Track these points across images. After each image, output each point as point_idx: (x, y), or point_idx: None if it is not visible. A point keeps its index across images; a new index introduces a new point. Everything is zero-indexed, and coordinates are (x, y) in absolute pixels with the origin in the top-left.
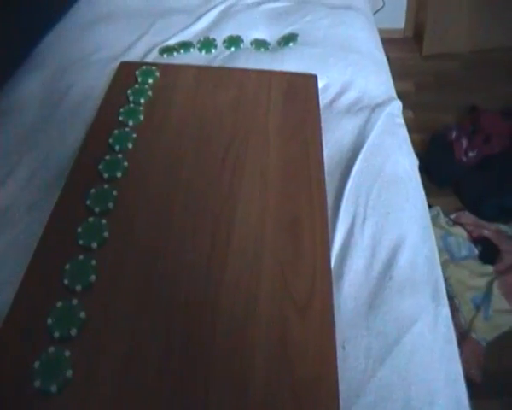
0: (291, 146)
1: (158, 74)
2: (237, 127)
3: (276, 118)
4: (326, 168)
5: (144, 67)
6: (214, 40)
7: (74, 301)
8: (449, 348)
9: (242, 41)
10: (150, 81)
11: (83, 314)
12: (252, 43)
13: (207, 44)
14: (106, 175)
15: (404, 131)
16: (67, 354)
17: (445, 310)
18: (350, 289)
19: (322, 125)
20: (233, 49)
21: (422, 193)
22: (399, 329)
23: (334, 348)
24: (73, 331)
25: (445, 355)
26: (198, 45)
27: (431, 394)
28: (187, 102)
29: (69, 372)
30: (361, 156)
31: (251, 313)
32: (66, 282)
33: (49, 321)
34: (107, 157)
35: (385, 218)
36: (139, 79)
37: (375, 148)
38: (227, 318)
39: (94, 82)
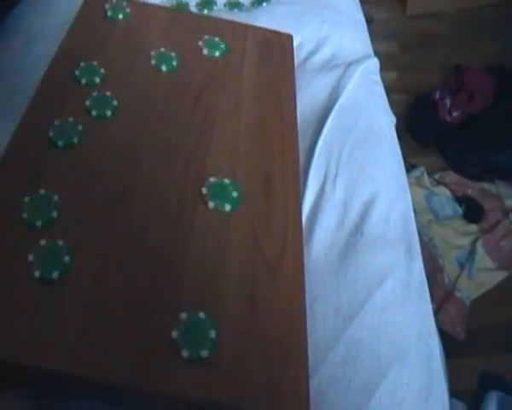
0: (264, 102)
1: (128, 11)
2: (209, 77)
3: (251, 72)
4: (299, 126)
5: (115, 1)
6: (187, 3)
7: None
8: (422, 305)
9: (215, 3)
10: (120, 17)
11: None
12: (225, 5)
13: (180, 7)
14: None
15: (380, 89)
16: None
17: (419, 265)
18: (320, 248)
19: (297, 82)
20: (206, 11)
21: (398, 150)
22: (370, 286)
23: (304, 306)
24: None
25: (418, 312)
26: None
27: (402, 351)
28: (157, 45)
29: None
30: (334, 113)
31: (220, 269)
32: (24, 216)
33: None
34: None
35: (358, 174)
36: (108, 13)
37: (348, 104)
38: (196, 268)
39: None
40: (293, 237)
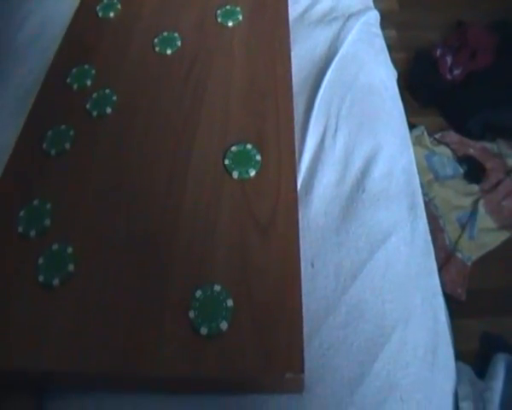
0: (258, 61)
1: (119, 6)
2: (201, 45)
3: (243, 33)
4: (296, 81)
5: (105, 1)
6: None
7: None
8: (427, 263)
9: None
10: (112, 15)
11: None
12: None
13: None
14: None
15: (381, 42)
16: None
17: (423, 223)
18: (320, 205)
19: (293, 37)
20: None
21: (400, 104)
22: (373, 243)
23: (299, 270)
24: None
25: (423, 270)
26: None
27: (406, 311)
28: (151, 22)
29: None
30: (333, 66)
31: (210, 232)
32: (20, 230)
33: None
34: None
35: (358, 128)
36: (100, 15)
37: (348, 57)
38: (186, 234)
39: (52, 10)
40: (286, 196)
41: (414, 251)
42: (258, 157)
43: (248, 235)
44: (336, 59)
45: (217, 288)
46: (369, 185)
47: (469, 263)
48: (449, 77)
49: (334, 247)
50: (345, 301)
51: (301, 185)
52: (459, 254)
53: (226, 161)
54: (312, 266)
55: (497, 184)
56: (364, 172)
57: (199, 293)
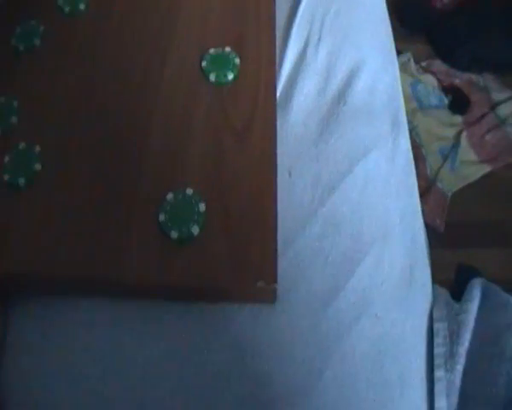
0: None
1: None
2: None
3: None
4: None
5: None
6: None
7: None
8: (407, 181)
9: None
10: None
11: None
12: None
13: None
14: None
15: None
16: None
17: (405, 141)
18: (299, 115)
19: None
20: None
21: (387, 20)
22: (353, 157)
23: (275, 178)
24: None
25: (403, 188)
26: None
27: (385, 227)
28: None
29: None
30: None
31: (184, 135)
32: None
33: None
34: None
35: (342, 40)
36: None
37: None
38: (159, 136)
39: None
40: (264, 102)
41: (395, 168)
42: (237, 61)
43: (224, 139)
44: None
45: (189, 191)
46: (350, 98)
47: (449, 194)
48: (438, 5)
49: (313, 158)
50: (321, 214)
51: (281, 94)
52: (439, 185)
53: (203, 64)
54: (289, 175)
55: (481, 117)
56: (347, 84)
57: (170, 196)
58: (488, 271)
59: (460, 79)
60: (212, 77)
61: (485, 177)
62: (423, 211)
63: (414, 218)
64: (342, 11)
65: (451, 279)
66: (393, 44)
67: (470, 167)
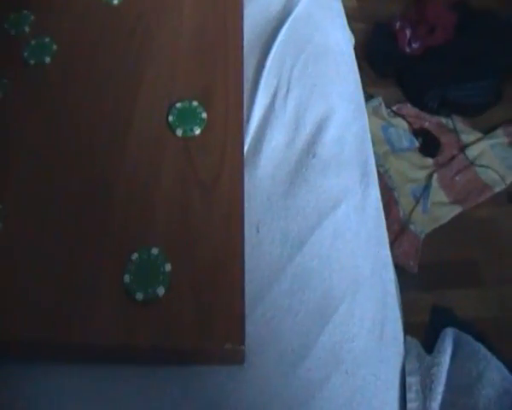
0: (208, 14)
1: None
2: (147, 2)
3: None
4: (248, 39)
5: None
6: None
7: None
8: (377, 232)
9: None
10: None
11: None
12: None
13: None
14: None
15: (338, 6)
16: None
17: (375, 192)
18: (268, 167)
19: None
20: None
21: (356, 69)
22: (321, 210)
23: (242, 234)
24: None
25: (373, 240)
26: None
27: (355, 282)
28: None
29: None
30: (287, 25)
31: (150, 192)
32: None
33: None
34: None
35: (311, 90)
36: None
37: (303, 17)
38: (125, 193)
39: None
40: (231, 156)
41: (364, 220)
42: (204, 115)
43: (191, 195)
44: (290, 19)
45: (154, 251)
46: (319, 150)
47: (422, 236)
48: (407, 50)
49: (281, 212)
50: (290, 269)
51: (249, 146)
52: (412, 227)
53: (170, 118)
54: (258, 230)
55: (451, 159)
56: (315, 136)
57: (135, 256)
58: (462, 311)
59: (430, 121)
60: (179, 132)
61: (456, 217)
62: (397, 254)
63: (385, 270)
64: (311, 61)
65: (426, 321)
66: (362, 93)
67: (442, 209)
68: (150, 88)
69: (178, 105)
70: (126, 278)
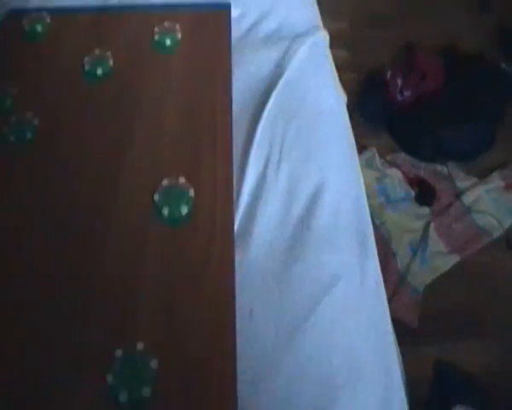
0: (196, 86)
1: (49, 20)
2: (134, 66)
3: (181, 55)
4: (237, 106)
5: (34, 14)
6: None
7: None
8: (378, 308)
9: None
10: (39, 29)
11: None
12: None
13: None
14: None
15: (329, 64)
16: None
17: (374, 262)
18: (260, 246)
19: (236, 57)
20: None
21: (350, 132)
22: (318, 290)
23: (233, 325)
24: None
25: (374, 316)
26: None
27: (356, 368)
28: (83, 39)
29: None
30: (277, 90)
31: (134, 281)
32: None
33: None
34: None
35: (304, 159)
36: (27, 29)
37: (294, 81)
38: (107, 283)
39: None
40: (221, 237)
41: (364, 297)
42: (192, 192)
43: (178, 283)
44: (281, 83)
45: (139, 347)
46: (315, 222)
47: (421, 288)
48: (399, 98)
49: (276, 294)
50: (287, 359)
51: (239, 224)
52: (411, 280)
53: (156, 197)
54: (251, 317)
55: (448, 206)
56: (309, 208)
57: (119, 353)
58: (466, 362)
59: (424, 170)
60: (165, 211)
61: (455, 266)
62: (396, 308)
63: (387, 350)
64: (303, 128)
65: (429, 376)
66: (357, 158)
67: (440, 259)
68: (134, 165)
69: (164, 182)
70: (109, 377)
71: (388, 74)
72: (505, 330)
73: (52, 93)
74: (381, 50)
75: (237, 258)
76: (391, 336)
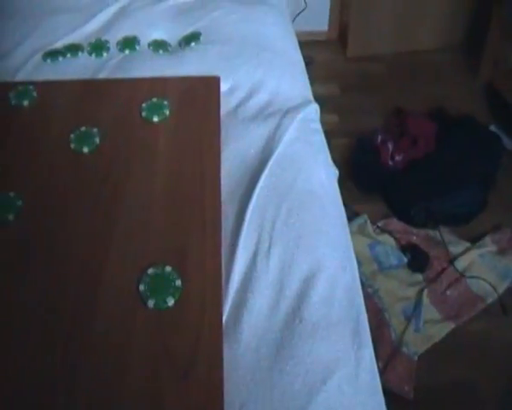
0: (184, 163)
1: (35, 94)
2: (122, 143)
3: (169, 131)
4: (226, 187)
5: (20, 87)
6: (107, 42)
7: None
8: (373, 402)
9: (138, 43)
10: (25, 103)
11: None
12: (149, 45)
13: (98, 47)
14: None
15: (320, 138)
16: None
17: (369, 352)
18: (250, 338)
19: (226, 133)
20: (127, 51)
21: (342, 210)
22: (311, 386)
23: None
24: None
25: None
26: (88, 48)
27: None
28: (69, 114)
29: None
30: (268, 170)
31: (117, 379)
32: None
33: None
34: None
35: (296, 243)
36: (12, 102)
37: (285, 159)
38: (86, 383)
39: None
40: (209, 331)
41: (359, 390)
42: (179, 282)
43: (163, 382)
44: (271, 162)
45: None
46: (306, 313)
47: (415, 358)
48: (391, 163)
49: (267, 391)
50: None
51: (228, 315)
52: (405, 349)
53: (141, 287)
54: None
55: (441, 272)
56: (302, 296)
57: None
58: None
59: (417, 235)
60: (151, 303)
61: (449, 334)
62: (390, 379)
63: None
64: (294, 209)
65: None
66: (349, 237)
67: (434, 327)
68: (120, 250)
69: (150, 271)
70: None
71: (379, 139)
72: (500, 403)
73: (36, 170)
74: (372, 114)
75: (225, 352)
76: None
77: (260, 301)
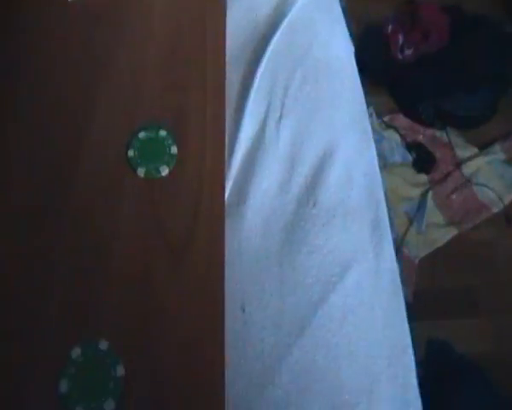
0: (182, 19)
1: None
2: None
3: None
4: (231, 47)
5: None
6: None
7: None
8: (394, 304)
9: None
10: None
11: None
12: None
13: None
14: None
15: (338, 7)
16: None
17: (389, 247)
18: (256, 221)
19: None
20: None
21: (360, 87)
22: (327, 280)
23: (222, 317)
24: None
25: (390, 315)
26: None
27: (370, 377)
28: None
29: None
30: (279, 33)
31: (100, 260)
32: None
33: None
34: None
35: (310, 117)
36: None
37: (299, 23)
38: (68, 264)
39: None
40: (209, 206)
41: (379, 288)
42: (174, 149)
43: (154, 263)
44: (284, 24)
45: (103, 346)
46: (322, 196)
47: (417, 260)
48: (400, 56)
49: (275, 285)
50: (287, 366)
51: (231, 192)
52: (406, 250)
53: (130, 153)
54: (243, 310)
55: (447, 175)
56: (316, 177)
57: (76, 353)
58: (459, 342)
59: (423, 134)
60: (141, 171)
61: (452, 240)
62: None
63: (404, 355)
64: (310, 79)
65: (421, 354)
66: (367, 115)
67: (437, 231)
68: (107, 112)
69: (141, 135)
70: (63, 384)
71: (389, 29)
72: (499, 312)
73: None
74: (383, 1)
75: (227, 235)
76: (408, 340)
77: (269, 176)
